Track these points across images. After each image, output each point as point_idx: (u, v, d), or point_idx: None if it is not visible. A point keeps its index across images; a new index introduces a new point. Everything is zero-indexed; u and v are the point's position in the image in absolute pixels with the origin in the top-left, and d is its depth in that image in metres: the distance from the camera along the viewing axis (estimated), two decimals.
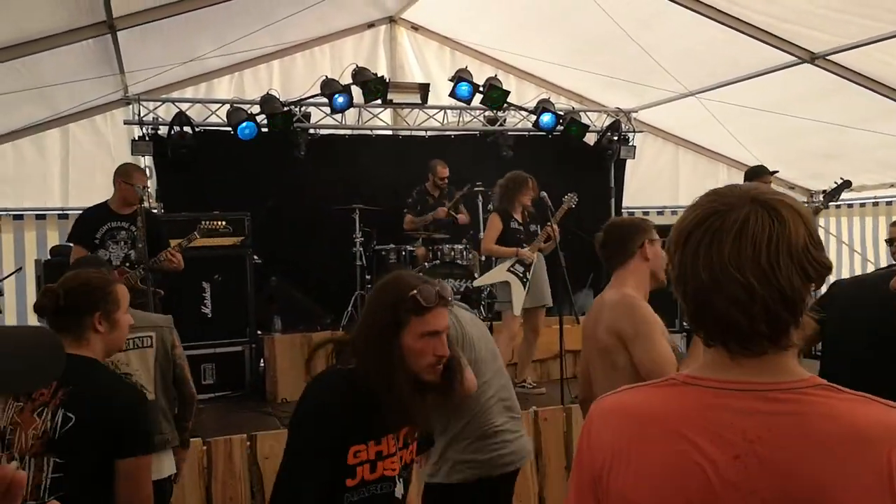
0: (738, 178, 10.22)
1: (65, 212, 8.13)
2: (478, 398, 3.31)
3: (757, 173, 6.99)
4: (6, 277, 7.63)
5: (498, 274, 6.98)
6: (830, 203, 7.52)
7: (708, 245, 1.26)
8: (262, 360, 7.36)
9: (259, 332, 7.55)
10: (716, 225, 1.27)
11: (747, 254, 1.24)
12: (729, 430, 1.25)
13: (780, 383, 1.26)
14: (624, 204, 10.36)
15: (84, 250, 5.96)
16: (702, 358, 1.37)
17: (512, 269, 6.85)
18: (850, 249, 9.87)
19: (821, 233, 10.08)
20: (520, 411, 3.61)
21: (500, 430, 3.35)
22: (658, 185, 10.77)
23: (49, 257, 7.39)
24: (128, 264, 5.80)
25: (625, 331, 3.04)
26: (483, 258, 8.68)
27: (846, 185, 7.05)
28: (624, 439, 1.34)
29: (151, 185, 8.19)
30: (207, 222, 6.12)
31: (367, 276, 8.39)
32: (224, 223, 6.27)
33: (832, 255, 10.20)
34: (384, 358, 2.30)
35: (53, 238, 8.03)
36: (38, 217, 8.21)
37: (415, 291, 2.36)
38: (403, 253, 8.39)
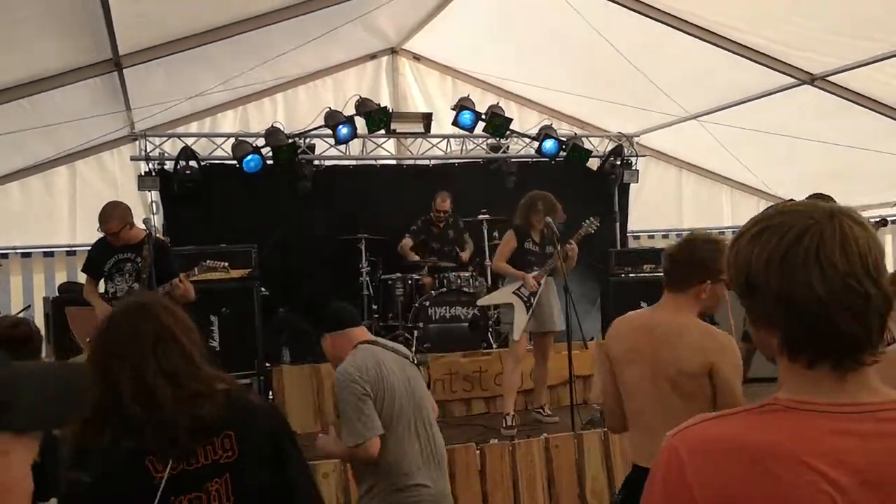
0: (741, 201, 10.35)
1: (73, 249, 8.19)
2: (385, 456, 3.31)
3: None
4: (16, 315, 7.65)
5: (503, 295, 6.91)
6: None
7: (816, 259, 1.23)
8: (270, 393, 7.34)
9: (267, 364, 7.54)
10: (816, 239, 1.24)
11: (856, 263, 1.23)
12: (851, 454, 1.21)
13: (885, 403, 1.25)
14: (629, 228, 10.38)
15: (94, 281, 6.01)
16: (790, 381, 1.31)
17: (518, 291, 6.73)
18: None
19: None
20: (443, 458, 3.60)
21: (414, 485, 3.35)
22: (662, 208, 10.79)
23: (57, 294, 7.42)
24: None
25: (719, 364, 2.88)
26: (490, 285, 8.72)
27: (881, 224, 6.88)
28: (737, 478, 1.23)
29: (158, 219, 8.27)
30: (209, 262, 6.08)
31: (374, 306, 8.41)
32: (227, 265, 6.23)
33: None
34: None
35: (62, 275, 8.07)
36: (46, 255, 8.27)
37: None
38: (410, 282, 8.41)
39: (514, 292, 6.75)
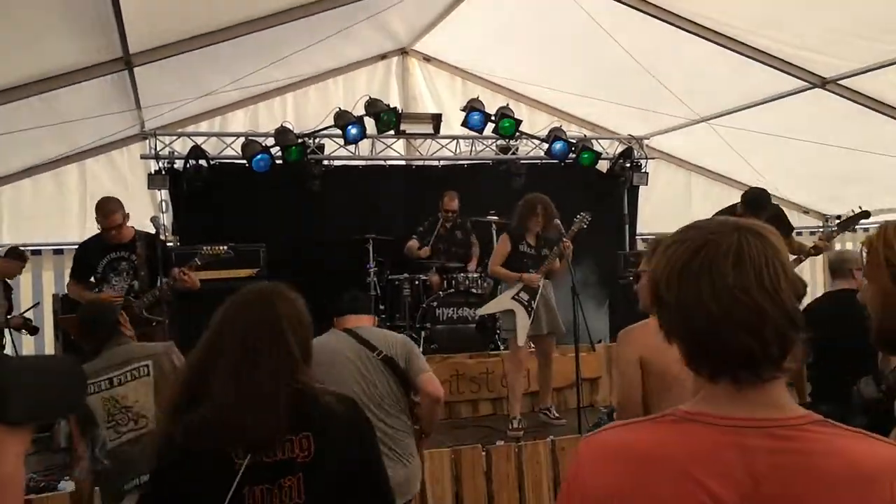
0: None
1: (59, 247, 8.24)
2: None
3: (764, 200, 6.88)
4: (25, 312, 7.69)
5: (502, 302, 6.85)
6: (849, 230, 7.36)
7: (709, 274, 1.25)
8: None
9: None
10: (711, 254, 1.26)
11: (750, 278, 1.23)
12: (736, 468, 1.23)
13: (783, 419, 1.25)
14: (638, 230, 10.35)
15: (81, 287, 5.96)
16: (696, 393, 1.33)
17: (517, 297, 6.68)
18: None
19: None
20: (397, 444, 3.70)
21: None
22: (672, 211, 10.72)
23: (66, 292, 7.44)
24: (132, 294, 5.81)
25: None
26: (491, 284, 8.72)
27: (864, 215, 6.88)
28: (625, 481, 1.27)
29: (167, 218, 8.29)
30: (209, 248, 6.08)
31: (382, 306, 8.41)
32: (225, 248, 6.20)
33: None
34: None
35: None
36: (56, 252, 8.30)
37: None
38: (417, 282, 8.42)
39: (513, 297, 6.70)
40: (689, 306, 1.27)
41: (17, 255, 7.39)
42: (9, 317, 7.30)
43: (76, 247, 7.95)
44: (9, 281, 7.48)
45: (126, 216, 5.89)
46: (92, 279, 5.98)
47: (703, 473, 1.23)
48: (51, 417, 1.56)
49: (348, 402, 2.34)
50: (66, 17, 4.56)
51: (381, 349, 3.73)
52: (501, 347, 8.16)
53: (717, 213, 7.15)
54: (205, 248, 6.09)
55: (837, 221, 7.29)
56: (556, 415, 6.90)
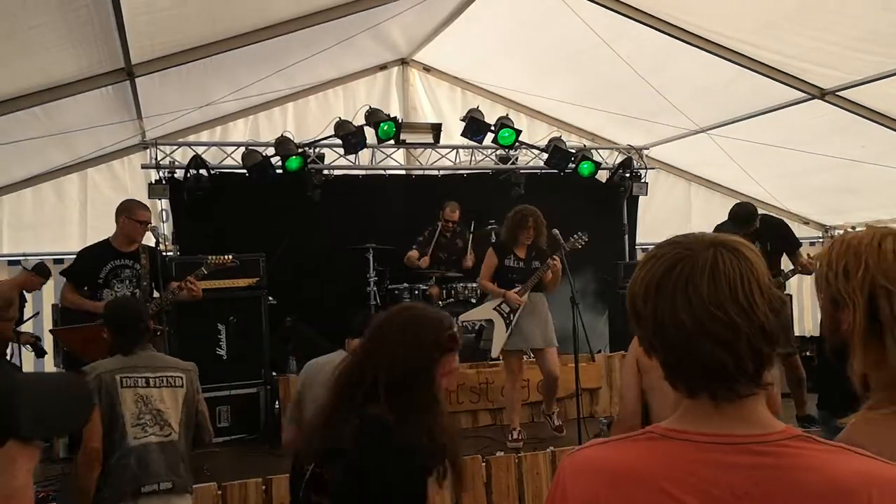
0: None
1: (59, 256, 8.23)
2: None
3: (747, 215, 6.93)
4: (24, 322, 7.67)
5: (483, 311, 6.88)
6: None
7: (684, 289, 1.26)
8: (276, 402, 7.34)
9: (274, 374, 7.54)
10: (687, 269, 1.27)
11: (725, 293, 1.24)
12: (716, 486, 1.23)
13: (762, 435, 1.26)
14: (637, 240, 10.35)
15: (77, 293, 5.97)
16: (677, 410, 1.34)
17: (498, 308, 6.68)
18: None
19: None
20: None
21: None
22: (671, 221, 10.73)
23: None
24: None
25: None
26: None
27: None
28: (599, 496, 1.29)
29: (167, 227, 8.30)
30: (214, 257, 6.14)
31: None
32: (231, 258, 6.28)
33: None
34: (435, 413, 2.39)
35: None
36: (56, 261, 8.29)
37: (452, 331, 2.45)
38: (417, 292, 8.41)
39: (494, 308, 6.71)
40: (665, 321, 1.28)
41: (42, 272, 7.36)
42: (18, 329, 7.29)
43: (53, 257, 8.06)
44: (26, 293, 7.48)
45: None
46: (87, 286, 5.98)
47: (681, 491, 1.24)
48: (59, 433, 1.60)
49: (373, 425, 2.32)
50: (68, 27, 4.57)
51: None
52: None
53: (714, 229, 7.22)
54: (210, 257, 6.14)
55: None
56: (558, 423, 6.89)
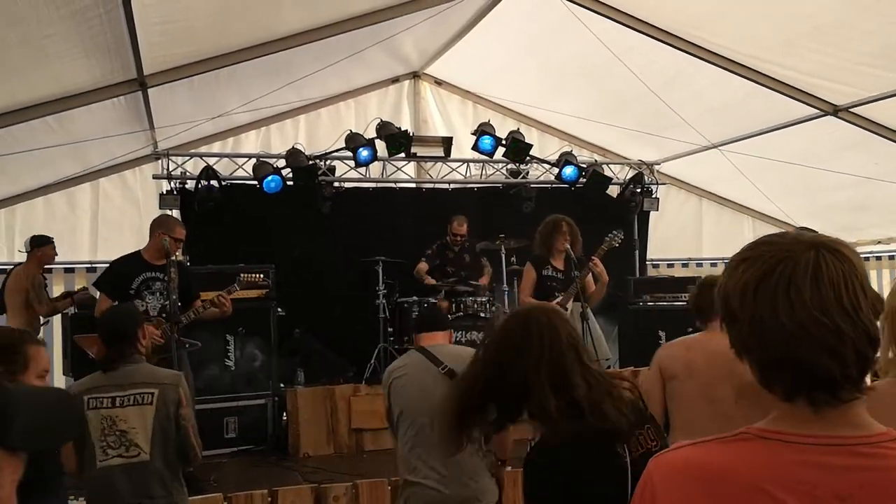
0: (763, 231, 10.21)
1: (93, 265, 8.24)
2: (397, 450, 3.77)
3: None
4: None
5: None
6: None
7: (785, 292, 1.21)
8: (284, 414, 7.32)
9: (282, 385, 7.52)
10: (788, 271, 1.22)
11: (829, 297, 1.20)
12: (819, 488, 1.19)
13: (865, 437, 1.22)
14: (648, 256, 10.31)
15: (110, 300, 6.01)
16: (771, 412, 1.29)
17: None
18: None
19: None
20: (455, 463, 3.49)
21: (414, 482, 3.61)
22: (682, 237, 10.74)
23: (76, 310, 7.47)
24: (164, 315, 5.82)
25: None
26: (507, 311, 8.65)
27: None
28: (695, 500, 1.24)
29: None
30: (247, 275, 6.21)
31: (390, 329, 8.38)
32: (262, 276, 6.36)
33: None
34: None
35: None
36: (67, 270, 8.33)
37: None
38: (426, 305, 8.38)
39: None
40: (765, 324, 1.23)
41: (40, 242, 7.40)
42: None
43: (86, 265, 8.08)
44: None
45: None
46: (119, 298, 6.00)
47: (784, 492, 1.19)
48: (46, 446, 1.60)
49: None
50: (81, 37, 4.59)
51: (445, 364, 3.70)
52: None
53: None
54: (242, 274, 6.18)
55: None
56: None
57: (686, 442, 1.32)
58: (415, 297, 8.44)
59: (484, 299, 8.41)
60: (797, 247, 1.25)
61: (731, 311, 1.29)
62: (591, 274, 6.52)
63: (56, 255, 7.48)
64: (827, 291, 1.20)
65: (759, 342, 1.25)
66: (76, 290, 7.55)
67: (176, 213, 8.29)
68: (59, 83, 5.35)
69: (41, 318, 7.44)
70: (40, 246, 7.31)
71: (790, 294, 1.20)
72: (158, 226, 5.97)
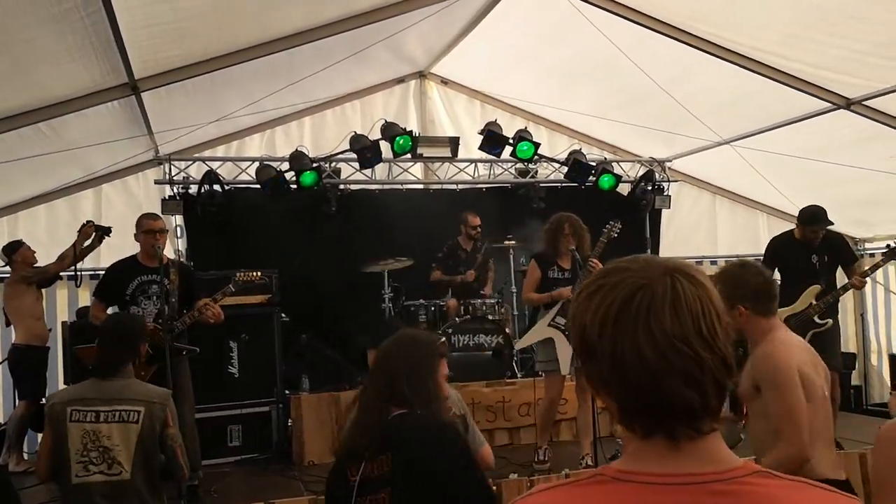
0: (778, 227, 10.02)
1: (96, 272, 8.13)
2: None
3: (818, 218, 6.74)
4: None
5: (539, 332, 6.42)
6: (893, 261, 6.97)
7: (645, 321, 1.14)
8: (289, 421, 7.22)
9: (287, 392, 7.43)
10: (647, 300, 1.16)
11: (689, 325, 1.14)
12: None
13: (720, 472, 1.16)
14: (661, 254, 10.13)
15: (105, 306, 5.95)
16: (627, 450, 1.24)
17: (553, 322, 6.28)
18: None
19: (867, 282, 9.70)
20: None
21: None
22: (696, 234, 10.55)
23: (76, 319, 7.41)
24: (159, 321, 5.74)
25: (762, 380, 3.11)
26: (516, 313, 8.54)
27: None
28: None
29: (182, 243, 8.23)
30: (243, 273, 6.13)
31: None
32: (259, 274, 6.28)
33: (880, 305, 9.85)
34: (441, 401, 2.91)
35: (84, 298, 8.03)
36: (70, 278, 8.23)
37: (441, 341, 3.12)
38: (433, 308, 8.28)
39: (549, 324, 6.33)
40: (625, 357, 1.15)
41: (15, 246, 7.30)
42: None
43: (90, 273, 8.00)
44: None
45: (166, 233, 6.07)
46: (115, 303, 5.94)
47: None
48: None
49: (437, 426, 2.75)
50: (65, 41, 4.48)
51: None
52: (519, 375, 7.99)
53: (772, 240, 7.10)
54: (238, 273, 6.10)
55: (881, 255, 6.96)
56: (591, 463, 6.15)
57: (544, 485, 1.29)
58: (421, 301, 8.34)
59: (492, 301, 8.31)
60: (652, 272, 1.19)
61: (589, 345, 1.21)
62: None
63: (34, 252, 7.36)
64: (686, 320, 1.14)
65: (622, 377, 1.17)
66: (85, 222, 7.20)
67: (179, 219, 8.23)
68: (44, 89, 5.25)
69: (45, 322, 7.37)
70: (15, 250, 7.24)
71: (650, 324, 1.14)
72: (135, 228, 5.93)
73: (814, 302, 6.46)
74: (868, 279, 6.96)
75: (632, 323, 1.15)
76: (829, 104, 6.99)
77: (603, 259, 6.18)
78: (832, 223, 6.78)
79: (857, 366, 9.86)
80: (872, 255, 9.67)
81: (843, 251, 6.99)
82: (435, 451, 2.61)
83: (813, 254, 6.80)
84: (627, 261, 1.24)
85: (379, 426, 2.66)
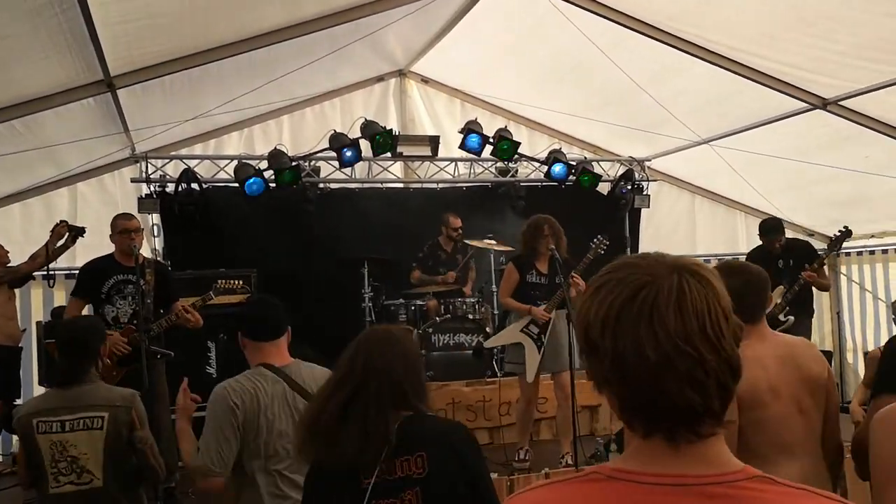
0: (755, 226, 10.08)
1: (72, 272, 8.03)
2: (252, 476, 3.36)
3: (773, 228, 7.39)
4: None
5: (510, 335, 6.52)
6: (835, 252, 7.67)
7: (649, 321, 1.12)
8: None
9: None
10: (651, 298, 1.13)
11: (693, 325, 1.12)
12: None
13: (717, 475, 1.14)
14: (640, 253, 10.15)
15: (82, 304, 5.87)
16: (628, 449, 1.22)
17: (526, 329, 6.36)
18: (873, 297, 9.60)
19: (843, 280, 9.78)
20: None
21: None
22: (675, 233, 10.57)
23: (50, 319, 7.32)
24: (134, 322, 5.68)
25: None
26: (497, 312, 8.53)
27: (847, 234, 7.14)
28: None
29: (159, 242, 8.15)
30: (224, 281, 6.08)
31: None
32: (241, 283, 6.22)
33: (855, 303, 9.92)
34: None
35: (59, 298, 7.95)
36: (45, 277, 8.13)
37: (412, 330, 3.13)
38: (413, 307, 8.25)
39: (521, 330, 6.39)
40: (626, 355, 1.14)
41: None
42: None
43: (65, 272, 7.91)
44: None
45: (142, 232, 5.96)
46: (90, 302, 5.87)
47: None
48: None
49: (455, 425, 2.78)
50: (40, 40, 4.43)
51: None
52: (499, 375, 7.98)
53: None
54: (220, 281, 6.04)
55: (825, 247, 7.42)
56: (571, 462, 6.29)
57: (541, 482, 1.28)
58: (401, 300, 8.32)
59: (473, 300, 8.30)
60: (658, 270, 1.16)
61: (591, 342, 1.19)
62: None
63: (7, 252, 7.21)
64: (690, 319, 1.12)
65: (622, 376, 1.15)
66: (58, 222, 7.07)
67: (156, 217, 8.15)
68: (19, 86, 5.17)
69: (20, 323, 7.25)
70: None
71: (653, 322, 1.12)
72: (110, 230, 5.87)
73: (778, 301, 6.90)
74: (844, 277, 7.24)
75: (634, 321, 1.13)
76: (805, 104, 7.03)
77: (586, 275, 6.19)
78: (784, 233, 7.46)
79: (833, 364, 9.94)
80: (849, 255, 9.76)
81: (804, 253, 7.43)
82: (466, 448, 2.58)
83: (779, 259, 7.29)
84: (637, 257, 1.24)
85: (389, 429, 2.49)
